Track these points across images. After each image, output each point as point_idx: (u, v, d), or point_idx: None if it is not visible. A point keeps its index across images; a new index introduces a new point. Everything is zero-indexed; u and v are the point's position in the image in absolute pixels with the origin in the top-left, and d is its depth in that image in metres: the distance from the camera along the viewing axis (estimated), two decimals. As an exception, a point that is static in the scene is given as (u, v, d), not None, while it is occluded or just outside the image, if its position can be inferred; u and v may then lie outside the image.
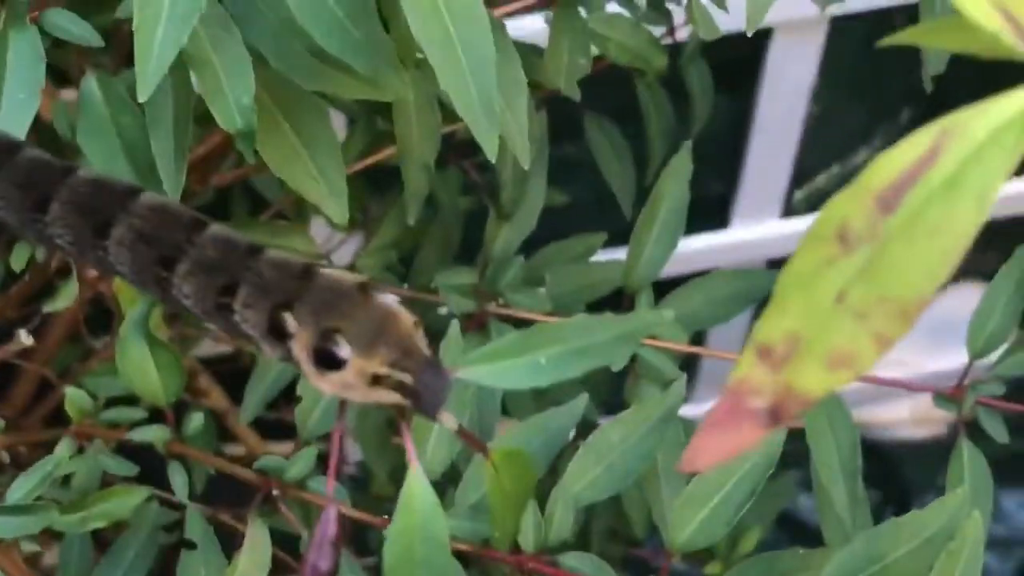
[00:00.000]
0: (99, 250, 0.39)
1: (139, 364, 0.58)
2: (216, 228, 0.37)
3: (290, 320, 0.34)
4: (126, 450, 0.64)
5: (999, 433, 0.63)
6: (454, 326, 0.58)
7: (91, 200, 0.40)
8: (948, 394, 0.64)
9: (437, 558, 0.32)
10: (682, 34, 0.78)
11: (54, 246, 0.41)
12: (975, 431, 0.64)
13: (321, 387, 0.33)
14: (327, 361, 0.33)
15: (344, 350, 0.32)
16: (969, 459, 0.63)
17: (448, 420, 0.33)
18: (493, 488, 0.33)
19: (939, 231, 0.30)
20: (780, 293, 0.30)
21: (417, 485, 0.32)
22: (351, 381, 0.32)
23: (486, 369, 0.32)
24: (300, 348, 0.33)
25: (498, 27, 0.53)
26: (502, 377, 0.31)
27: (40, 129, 0.65)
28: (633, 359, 0.65)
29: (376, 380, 0.32)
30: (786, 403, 0.30)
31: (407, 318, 0.33)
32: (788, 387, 0.30)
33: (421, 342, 0.33)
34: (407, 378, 0.32)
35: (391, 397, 0.32)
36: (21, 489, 0.57)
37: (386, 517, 0.57)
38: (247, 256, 0.36)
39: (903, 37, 0.33)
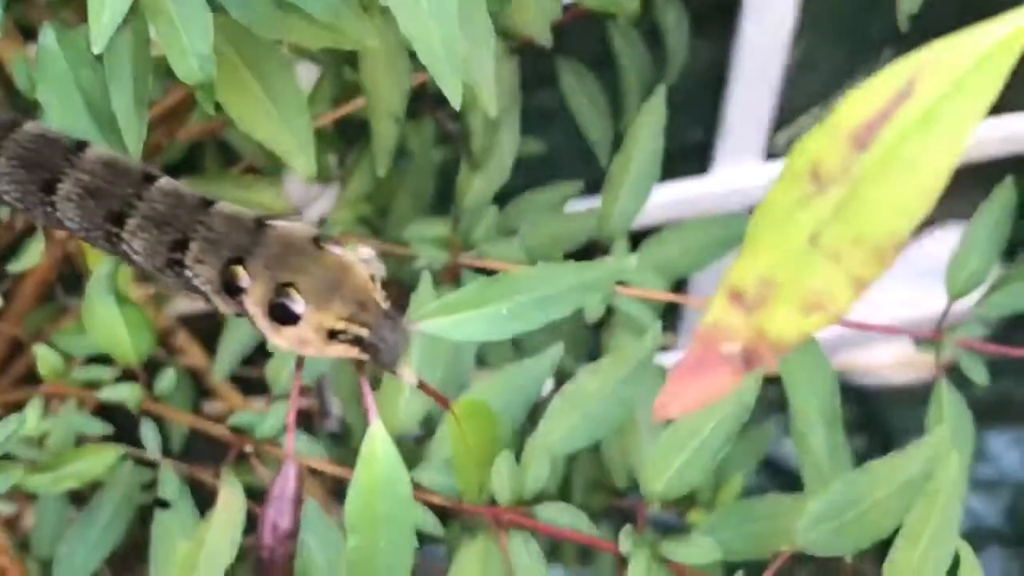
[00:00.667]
0: (47, 206, 0.37)
1: (107, 323, 0.56)
2: (165, 181, 0.36)
3: (243, 275, 0.32)
4: (104, 410, 0.62)
5: (979, 375, 0.62)
6: (425, 278, 0.57)
7: (38, 155, 0.38)
8: (928, 337, 0.62)
9: (399, 513, 0.31)
10: (657, -23, 0.76)
11: (2, 202, 0.40)
12: (961, 373, 0.63)
13: (277, 342, 0.31)
14: (282, 316, 0.31)
15: (298, 305, 0.31)
16: (948, 402, 0.61)
17: (408, 374, 0.31)
18: (456, 443, 0.32)
19: (914, 168, 0.28)
20: (752, 235, 0.29)
21: (377, 441, 0.31)
22: (307, 336, 0.31)
23: (446, 321, 0.30)
24: (254, 303, 0.32)
25: (463, -30, 0.51)
26: (462, 329, 0.30)
27: (3, 82, 0.64)
28: (610, 310, 0.64)
29: (332, 334, 0.31)
30: (759, 348, 0.29)
31: (362, 271, 0.31)
32: (761, 331, 0.29)
33: (378, 295, 0.31)
34: (364, 332, 0.31)
35: (348, 351, 0.31)
36: (-14, 449, 0.55)
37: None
38: (198, 210, 0.34)
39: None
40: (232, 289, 0.32)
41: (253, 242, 0.32)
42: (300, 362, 0.35)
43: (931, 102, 0.28)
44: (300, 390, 0.61)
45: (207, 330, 0.96)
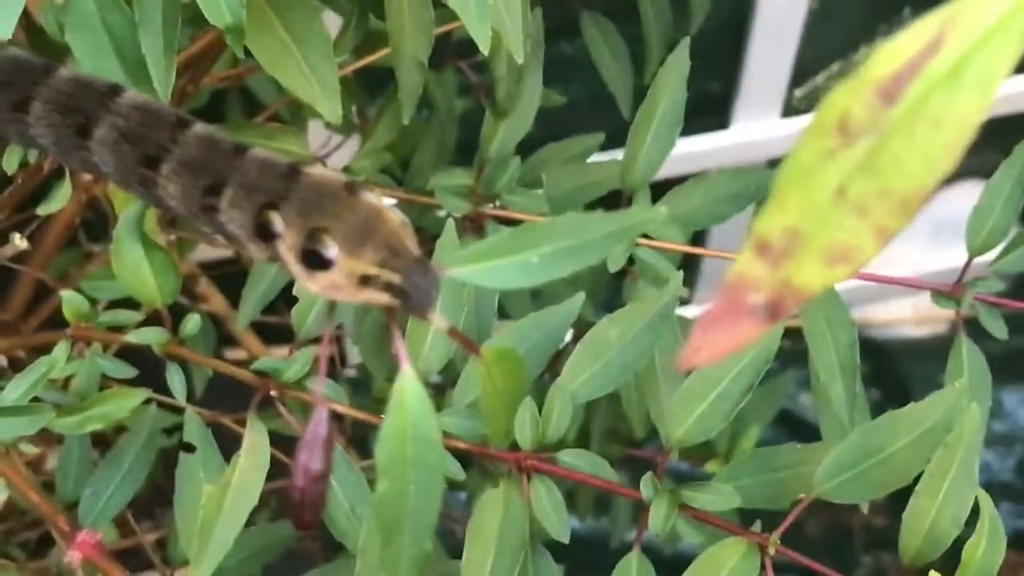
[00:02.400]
0: (82, 150, 0.38)
1: (134, 266, 0.57)
2: (200, 127, 0.36)
3: (276, 220, 0.33)
4: (127, 354, 0.63)
5: (998, 330, 0.62)
6: (449, 227, 0.57)
7: (72, 100, 0.38)
8: (947, 292, 0.63)
9: (429, 456, 0.32)
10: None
11: (39, 147, 0.40)
12: (976, 329, 0.63)
13: (309, 287, 0.32)
14: (315, 261, 0.32)
15: (331, 250, 0.31)
16: (968, 355, 0.62)
17: (438, 320, 0.32)
18: (485, 387, 0.33)
19: (941, 122, 0.29)
20: (779, 187, 0.29)
21: (408, 385, 0.31)
22: (339, 281, 0.31)
23: (476, 268, 0.31)
24: (287, 249, 0.32)
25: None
26: (493, 276, 0.31)
27: (29, 29, 0.64)
28: (631, 261, 0.64)
29: (364, 280, 0.31)
30: (784, 298, 0.29)
31: (395, 218, 0.32)
32: (786, 282, 0.29)
33: (410, 241, 0.32)
34: (395, 278, 0.31)
35: (380, 297, 0.31)
36: (16, 390, 0.56)
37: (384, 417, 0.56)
38: (232, 156, 0.35)
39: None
40: (266, 234, 0.33)
41: (287, 188, 0.33)
42: (332, 307, 0.35)
43: (959, 57, 0.29)
44: (319, 338, 0.61)
45: (227, 277, 0.96)
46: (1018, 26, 0.29)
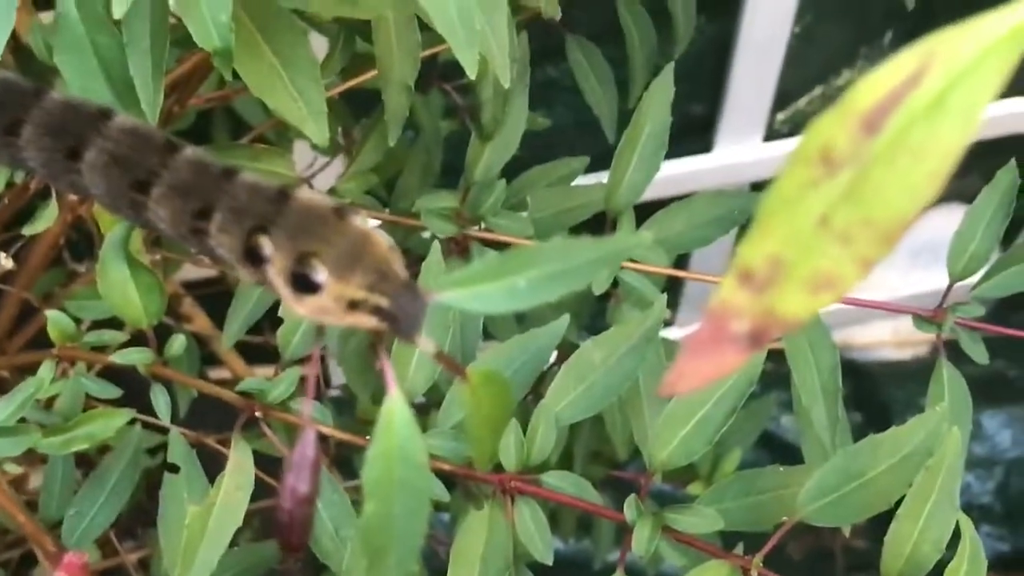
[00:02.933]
0: (72, 174, 0.38)
1: (120, 286, 0.57)
2: (190, 151, 0.36)
3: (266, 244, 0.33)
4: (111, 374, 0.63)
5: (979, 354, 0.63)
6: (435, 250, 0.57)
7: (63, 123, 0.39)
8: (928, 316, 0.63)
9: (416, 480, 0.32)
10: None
11: (28, 169, 0.40)
12: (956, 352, 0.63)
13: (298, 311, 0.32)
14: (303, 285, 0.32)
15: (320, 274, 0.32)
16: (949, 379, 0.62)
17: (425, 343, 0.32)
18: (471, 410, 0.33)
19: (923, 153, 0.29)
20: (763, 216, 0.30)
21: (395, 408, 0.32)
22: (328, 305, 0.32)
23: (464, 292, 0.31)
24: (276, 272, 0.33)
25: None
26: (481, 300, 0.31)
27: (17, 50, 0.64)
28: (615, 283, 0.65)
29: (353, 304, 0.32)
30: (767, 326, 0.30)
31: (383, 242, 0.32)
32: (770, 310, 0.30)
33: (398, 265, 0.32)
34: (384, 302, 0.32)
35: (368, 321, 0.32)
36: (3, 411, 0.57)
37: (369, 439, 0.57)
38: (222, 179, 0.35)
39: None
40: (255, 258, 0.33)
41: (276, 212, 0.33)
42: (321, 330, 0.36)
43: (940, 89, 0.29)
44: (303, 358, 0.62)
45: (211, 297, 0.97)
46: (999, 59, 0.29)
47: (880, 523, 0.54)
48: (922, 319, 0.64)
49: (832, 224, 0.29)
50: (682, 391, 0.30)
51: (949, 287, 0.63)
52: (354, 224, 0.32)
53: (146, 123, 0.40)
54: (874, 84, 0.30)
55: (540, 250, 0.31)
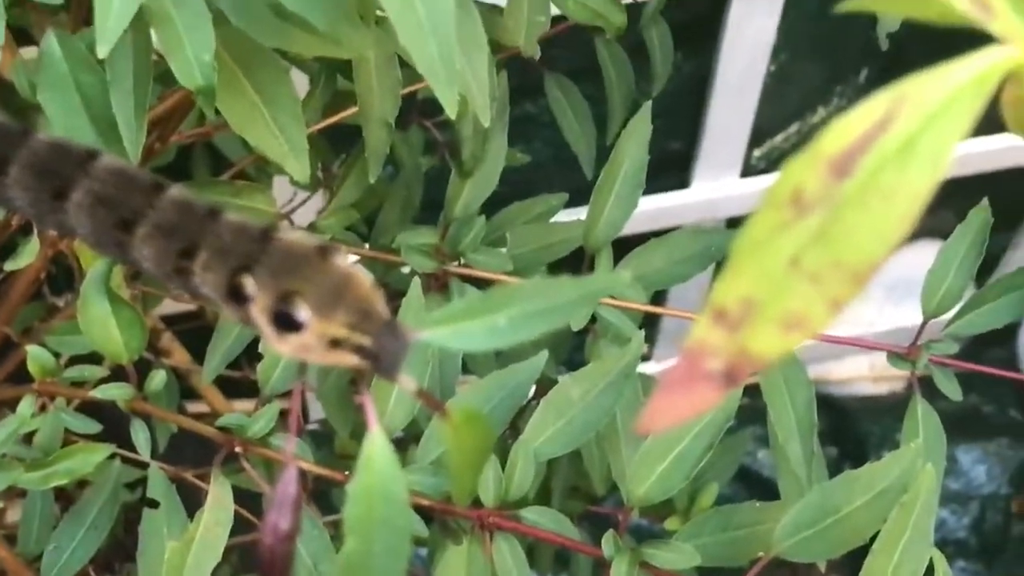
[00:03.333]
0: (59, 213, 0.39)
1: (101, 322, 0.57)
2: (176, 191, 0.37)
3: (249, 283, 0.33)
4: (90, 408, 0.63)
5: (952, 391, 0.64)
6: (415, 286, 0.58)
7: (50, 163, 0.39)
8: (903, 353, 0.64)
9: (397, 517, 0.32)
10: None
11: (14, 208, 0.41)
12: (931, 388, 0.64)
13: (280, 349, 0.33)
14: (286, 324, 0.33)
15: (303, 313, 0.32)
16: (923, 416, 0.63)
17: (407, 382, 0.33)
18: (451, 447, 0.34)
19: (893, 196, 0.30)
20: (735, 257, 0.31)
21: (376, 446, 0.32)
22: (310, 343, 0.32)
23: (445, 331, 0.32)
24: (259, 311, 0.33)
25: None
26: (462, 339, 0.31)
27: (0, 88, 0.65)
28: (593, 319, 0.66)
29: (335, 342, 0.32)
30: (741, 364, 0.31)
31: (366, 280, 0.33)
32: (743, 349, 0.30)
33: (380, 304, 0.32)
34: (366, 340, 0.32)
35: (350, 359, 0.32)
36: (-15, 447, 0.57)
37: (347, 474, 0.57)
38: (206, 219, 0.35)
39: (859, 3, 0.33)
40: (238, 297, 0.34)
41: (259, 251, 0.34)
42: (302, 366, 0.36)
43: (909, 133, 0.30)
44: (283, 393, 0.62)
45: (190, 332, 0.97)
46: (966, 103, 0.30)
47: (855, 558, 0.55)
48: (896, 356, 0.64)
49: (803, 265, 0.30)
50: (658, 429, 0.31)
51: (923, 324, 0.64)
52: (337, 263, 0.33)
53: (131, 164, 0.40)
54: (844, 128, 0.30)
55: (520, 289, 0.32)
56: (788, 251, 0.30)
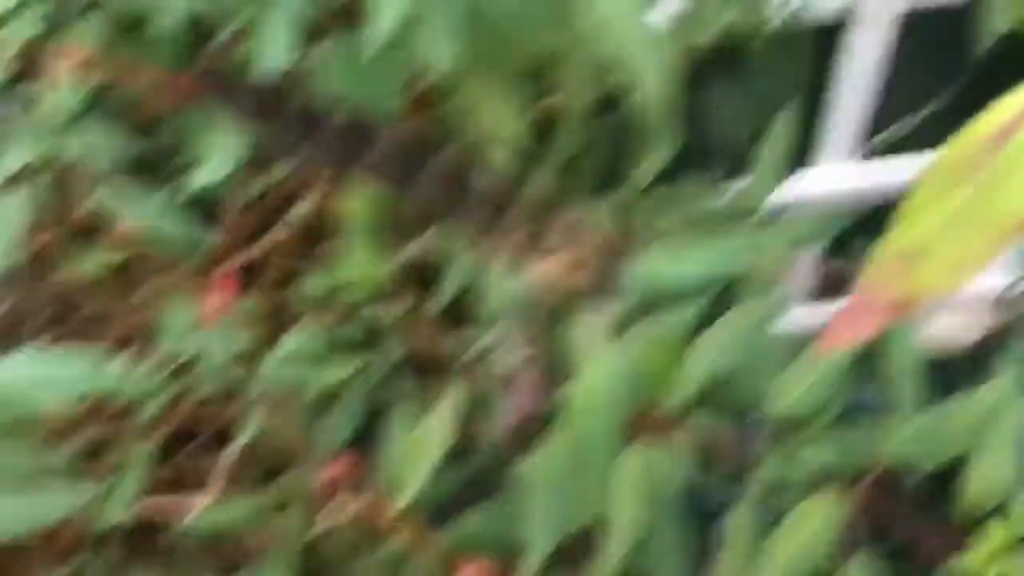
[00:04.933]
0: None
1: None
2: None
3: None
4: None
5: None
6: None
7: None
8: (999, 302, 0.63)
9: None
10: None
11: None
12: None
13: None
14: None
15: None
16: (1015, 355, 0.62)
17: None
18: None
19: (1037, 164, 0.30)
20: (909, 211, 0.31)
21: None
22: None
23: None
24: None
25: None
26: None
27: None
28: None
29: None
30: (910, 298, 0.31)
31: None
32: (913, 285, 0.31)
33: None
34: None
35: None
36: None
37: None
38: None
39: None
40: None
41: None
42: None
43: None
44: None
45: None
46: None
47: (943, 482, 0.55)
48: (995, 304, 0.63)
49: (966, 218, 0.30)
50: (840, 345, 0.31)
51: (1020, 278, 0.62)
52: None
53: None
54: (996, 112, 0.31)
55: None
56: (954, 206, 0.30)
